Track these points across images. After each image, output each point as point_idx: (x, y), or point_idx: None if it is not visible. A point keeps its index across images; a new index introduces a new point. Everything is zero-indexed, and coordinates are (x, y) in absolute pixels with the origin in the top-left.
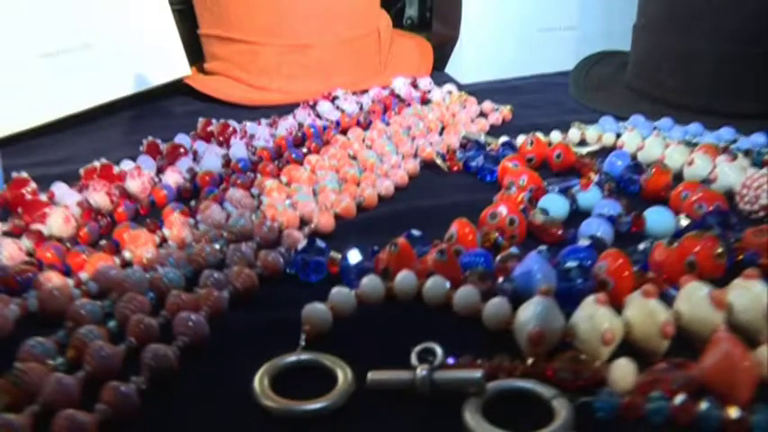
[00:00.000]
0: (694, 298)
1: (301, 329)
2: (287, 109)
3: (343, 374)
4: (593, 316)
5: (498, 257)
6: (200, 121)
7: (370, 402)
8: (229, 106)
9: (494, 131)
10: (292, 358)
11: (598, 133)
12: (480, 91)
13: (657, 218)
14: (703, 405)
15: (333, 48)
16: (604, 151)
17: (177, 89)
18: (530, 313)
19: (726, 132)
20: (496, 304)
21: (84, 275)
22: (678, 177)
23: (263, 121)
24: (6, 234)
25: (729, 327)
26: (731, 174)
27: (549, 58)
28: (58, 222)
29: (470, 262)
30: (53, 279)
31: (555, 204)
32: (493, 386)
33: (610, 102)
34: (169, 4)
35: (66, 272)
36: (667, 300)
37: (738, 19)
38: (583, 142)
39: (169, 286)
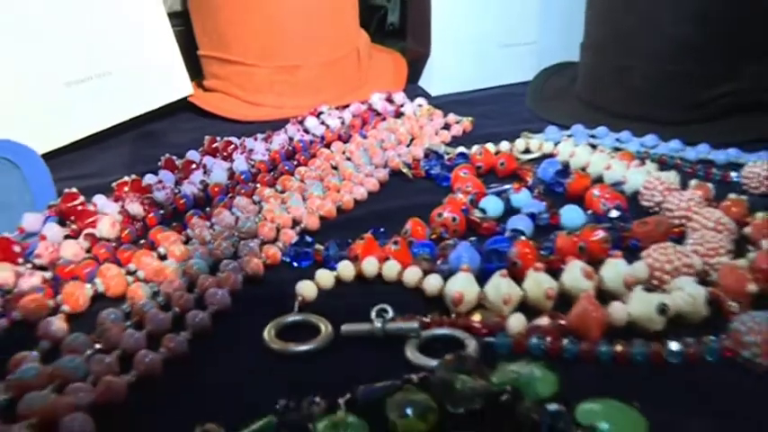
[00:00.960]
0: (572, 272)
1: (296, 299)
2: (279, 123)
3: (325, 327)
4: (497, 285)
5: (439, 246)
6: (207, 138)
7: (342, 345)
8: (227, 121)
9: (455, 141)
10: (290, 318)
11: (540, 142)
12: (448, 102)
13: (570, 214)
14: (566, 342)
15: (318, 68)
16: (544, 158)
17: (181, 105)
18: (454, 284)
19: (649, 139)
20: (432, 279)
21: (131, 266)
22: (601, 179)
23: (259, 136)
24: (67, 237)
25: (599, 292)
26: (638, 177)
27: (511, 70)
28: (106, 227)
29: (419, 250)
30: (111, 269)
31: (492, 205)
32: (426, 333)
33: (560, 111)
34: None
35: (118, 264)
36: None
37: (665, 42)
38: (528, 150)
39: (198, 272)
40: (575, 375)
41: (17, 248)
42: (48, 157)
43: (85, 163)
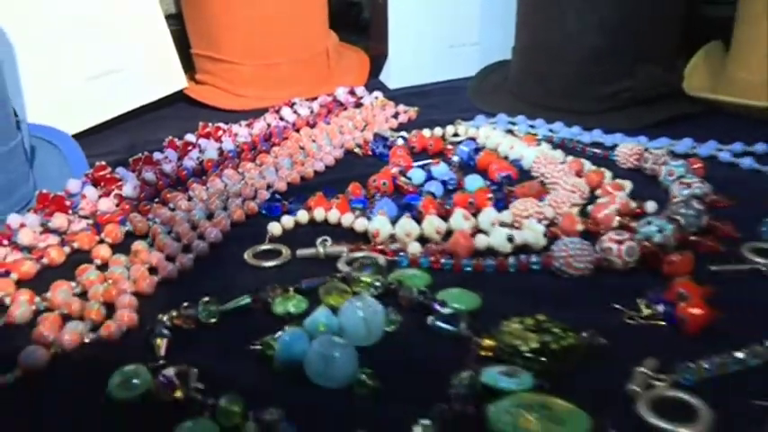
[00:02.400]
0: (456, 216)
1: (267, 234)
2: (259, 112)
3: (286, 251)
4: (403, 225)
5: (370, 201)
6: (201, 124)
7: (297, 262)
8: (216, 109)
9: (403, 127)
10: (262, 246)
11: (466, 128)
12: (403, 94)
13: (471, 181)
14: (443, 260)
15: (293, 65)
16: (469, 140)
17: (177, 97)
18: (373, 224)
19: (557, 126)
20: (360, 221)
21: (150, 216)
22: (507, 157)
23: (243, 122)
24: (100, 196)
25: (477, 230)
26: (531, 154)
27: (457, 67)
28: (130, 189)
29: (355, 204)
30: (137, 217)
31: (416, 175)
32: (353, 255)
33: (493, 103)
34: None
35: (140, 214)
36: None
37: (575, 47)
38: (457, 134)
39: (199, 219)
40: (448, 279)
41: (68, 203)
42: (74, 138)
43: (104, 143)
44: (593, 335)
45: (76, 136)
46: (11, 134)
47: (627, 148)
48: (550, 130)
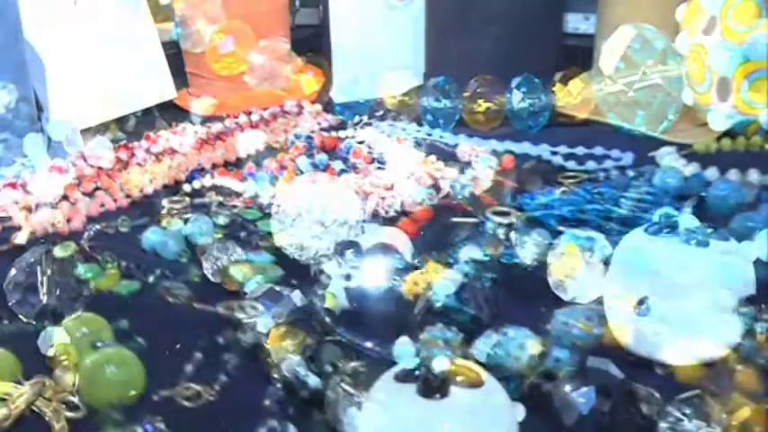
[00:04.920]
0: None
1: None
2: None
3: (187, 200)
4: (263, 187)
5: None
6: (173, 124)
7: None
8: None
9: (324, 130)
10: (174, 198)
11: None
12: (346, 107)
13: (335, 164)
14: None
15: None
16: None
17: (169, 105)
18: (243, 185)
19: (436, 131)
20: (240, 185)
21: (115, 179)
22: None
23: (208, 124)
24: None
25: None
26: (399, 152)
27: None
28: (106, 162)
29: (247, 176)
30: (105, 179)
31: (302, 162)
32: (225, 203)
33: None
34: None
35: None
36: None
37: (460, 74)
38: (353, 135)
39: (144, 181)
40: None
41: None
42: (83, 132)
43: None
44: None
45: (86, 130)
46: (33, 122)
47: (465, 147)
48: (428, 134)
